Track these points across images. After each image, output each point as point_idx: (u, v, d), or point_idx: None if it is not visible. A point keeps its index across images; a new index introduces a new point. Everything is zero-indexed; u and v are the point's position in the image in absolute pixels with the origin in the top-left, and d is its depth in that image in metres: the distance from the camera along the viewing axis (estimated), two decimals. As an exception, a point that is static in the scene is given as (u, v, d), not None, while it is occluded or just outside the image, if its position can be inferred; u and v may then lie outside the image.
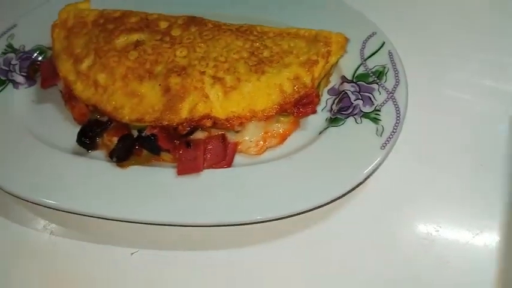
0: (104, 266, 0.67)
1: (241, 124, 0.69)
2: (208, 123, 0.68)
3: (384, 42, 0.78)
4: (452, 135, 0.76)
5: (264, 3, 0.88)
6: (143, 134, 0.70)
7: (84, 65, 0.76)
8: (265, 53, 0.74)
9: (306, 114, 0.72)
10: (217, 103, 0.69)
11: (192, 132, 0.69)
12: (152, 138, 0.68)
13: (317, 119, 0.74)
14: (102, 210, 0.65)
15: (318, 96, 0.72)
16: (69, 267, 0.67)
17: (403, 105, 0.71)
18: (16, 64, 0.86)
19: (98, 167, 0.70)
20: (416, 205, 0.70)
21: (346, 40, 0.76)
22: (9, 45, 0.88)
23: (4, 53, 0.87)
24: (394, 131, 0.68)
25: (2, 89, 0.83)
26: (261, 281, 0.65)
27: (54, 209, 0.67)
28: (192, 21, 0.79)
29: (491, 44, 0.87)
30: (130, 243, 0.67)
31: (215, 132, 0.71)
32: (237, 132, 0.71)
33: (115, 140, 0.72)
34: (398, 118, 0.70)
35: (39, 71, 0.84)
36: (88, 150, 0.73)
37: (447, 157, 0.74)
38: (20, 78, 0.84)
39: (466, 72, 0.85)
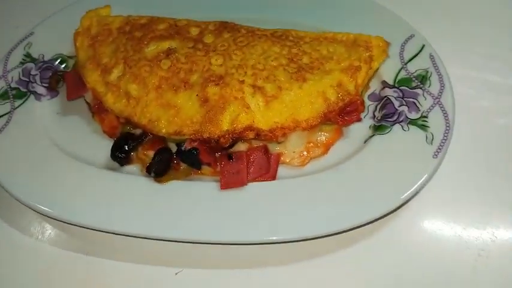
0: (148, 287, 0.63)
1: (284, 135, 0.66)
2: (251, 134, 0.65)
3: (424, 45, 0.75)
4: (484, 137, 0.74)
5: (295, 5, 0.85)
6: (183, 148, 0.66)
7: (114, 76, 0.72)
8: (305, 59, 0.71)
9: (351, 122, 0.69)
10: (259, 113, 0.66)
11: (233, 144, 0.66)
12: (194, 152, 0.65)
13: (360, 127, 0.71)
14: (143, 230, 0.62)
15: (363, 104, 0.69)
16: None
17: (451, 110, 0.68)
18: (36, 74, 0.82)
19: (135, 183, 0.66)
20: (466, 213, 0.67)
21: (387, 44, 0.73)
22: (28, 55, 0.84)
23: (22, 63, 0.83)
24: (445, 138, 0.65)
25: (24, 101, 0.79)
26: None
27: (91, 229, 0.64)
28: (224, 27, 0.75)
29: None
30: (174, 262, 0.64)
31: (256, 143, 0.68)
32: (279, 143, 0.68)
33: (151, 153, 0.68)
34: (448, 125, 0.67)
35: (62, 81, 0.80)
36: (122, 165, 0.69)
37: (486, 163, 0.71)
38: (41, 90, 0.80)
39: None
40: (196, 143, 0.66)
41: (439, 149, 0.65)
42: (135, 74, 0.71)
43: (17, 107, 0.78)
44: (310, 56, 0.71)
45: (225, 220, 0.62)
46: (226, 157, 0.65)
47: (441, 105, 0.69)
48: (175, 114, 0.67)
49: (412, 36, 0.77)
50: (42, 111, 0.78)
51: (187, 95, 0.68)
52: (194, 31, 0.75)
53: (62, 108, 0.79)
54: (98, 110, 0.73)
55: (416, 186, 0.62)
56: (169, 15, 0.80)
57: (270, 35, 0.74)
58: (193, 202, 0.64)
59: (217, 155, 0.66)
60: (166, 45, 0.73)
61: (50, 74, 0.81)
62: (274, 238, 0.61)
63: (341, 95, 0.67)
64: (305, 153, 0.69)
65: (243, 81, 0.68)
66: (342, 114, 0.68)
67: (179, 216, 0.62)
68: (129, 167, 0.70)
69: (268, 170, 0.66)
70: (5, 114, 0.76)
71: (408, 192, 0.62)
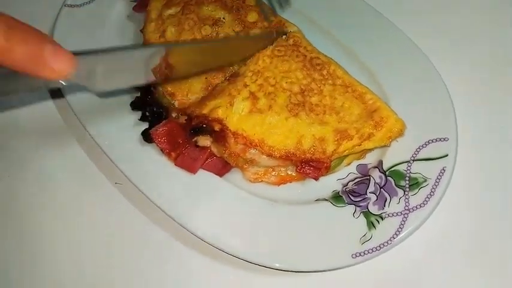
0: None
1: (245, 145, 0.67)
2: (217, 127, 0.68)
3: (447, 155, 0.68)
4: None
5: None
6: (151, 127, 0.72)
7: (168, 12, 0.79)
8: (314, 99, 0.69)
9: (307, 176, 0.68)
10: (236, 116, 0.68)
11: (200, 129, 0.69)
12: (151, 137, 0.71)
13: (325, 184, 0.70)
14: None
15: (328, 169, 0.67)
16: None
17: (406, 233, 0.63)
18: (135, -22, 0.91)
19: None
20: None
21: (400, 132, 0.68)
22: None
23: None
24: (377, 249, 0.62)
25: None
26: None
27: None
28: (277, 29, 0.76)
29: None
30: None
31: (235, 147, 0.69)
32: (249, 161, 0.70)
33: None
34: (390, 241, 0.63)
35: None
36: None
37: None
38: (130, -8, 0.91)
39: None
40: (169, 125, 0.71)
41: (363, 253, 0.62)
42: (181, 21, 0.77)
43: (103, -5, 0.89)
44: (321, 99, 0.69)
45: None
46: (194, 143, 0.71)
47: (404, 219, 0.64)
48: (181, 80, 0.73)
49: (444, 139, 0.69)
50: (119, 8, 0.88)
51: (201, 72, 0.73)
52: (251, 17, 0.77)
53: (131, 14, 0.88)
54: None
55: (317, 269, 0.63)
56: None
57: (309, 58, 0.73)
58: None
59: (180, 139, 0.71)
60: (220, 14, 0.77)
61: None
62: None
63: (314, 149, 0.66)
64: (261, 173, 0.71)
65: (247, 86, 0.70)
66: (304, 164, 0.67)
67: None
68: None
69: (219, 171, 0.71)
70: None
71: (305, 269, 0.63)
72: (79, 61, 0.47)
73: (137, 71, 0.59)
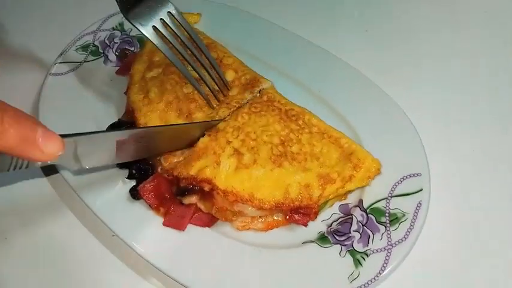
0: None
1: (235, 201, 0.71)
2: (207, 187, 0.71)
3: (422, 190, 0.73)
4: None
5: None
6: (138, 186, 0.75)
7: (150, 74, 0.84)
8: (294, 148, 0.74)
9: (296, 223, 0.71)
10: (224, 173, 0.72)
11: (190, 190, 0.72)
12: (137, 191, 0.74)
13: (311, 226, 0.73)
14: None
15: (316, 214, 0.71)
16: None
17: (392, 267, 0.67)
18: (117, 43, 0.97)
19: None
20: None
21: (378, 172, 0.72)
22: (121, 24, 0.99)
23: (113, 29, 0.99)
24: (365, 286, 0.66)
25: (94, 59, 0.94)
26: None
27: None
28: (253, 84, 0.82)
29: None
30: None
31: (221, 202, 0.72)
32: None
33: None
34: (377, 276, 0.66)
35: (126, 57, 0.95)
36: None
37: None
38: (112, 56, 0.95)
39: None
40: (157, 180, 0.74)
41: (353, 292, 0.65)
42: (163, 81, 0.82)
43: (87, 61, 0.93)
44: (301, 147, 0.74)
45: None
46: (179, 201, 0.74)
47: (388, 254, 0.68)
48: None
49: (417, 175, 0.74)
50: (102, 73, 0.92)
51: (184, 128, 0.77)
52: (229, 75, 0.83)
53: (115, 77, 0.92)
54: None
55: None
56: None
57: (284, 111, 0.79)
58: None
59: (167, 196, 0.74)
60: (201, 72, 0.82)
61: (125, 47, 0.97)
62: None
63: (301, 196, 0.70)
64: (248, 221, 0.74)
65: (230, 142, 0.75)
66: (293, 212, 0.71)
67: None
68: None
69: (207, 224, 0.73)
70: (76, 62, 0.92)
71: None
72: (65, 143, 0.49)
73: (112, 151, 0.64)
